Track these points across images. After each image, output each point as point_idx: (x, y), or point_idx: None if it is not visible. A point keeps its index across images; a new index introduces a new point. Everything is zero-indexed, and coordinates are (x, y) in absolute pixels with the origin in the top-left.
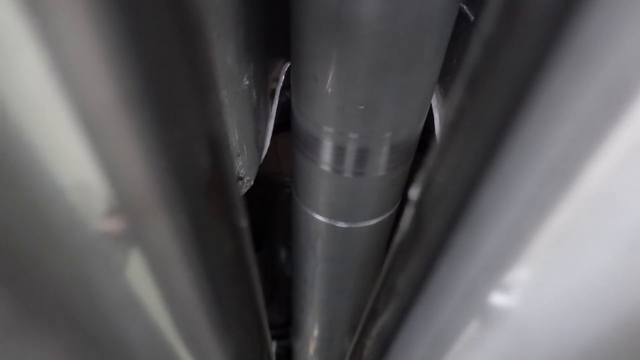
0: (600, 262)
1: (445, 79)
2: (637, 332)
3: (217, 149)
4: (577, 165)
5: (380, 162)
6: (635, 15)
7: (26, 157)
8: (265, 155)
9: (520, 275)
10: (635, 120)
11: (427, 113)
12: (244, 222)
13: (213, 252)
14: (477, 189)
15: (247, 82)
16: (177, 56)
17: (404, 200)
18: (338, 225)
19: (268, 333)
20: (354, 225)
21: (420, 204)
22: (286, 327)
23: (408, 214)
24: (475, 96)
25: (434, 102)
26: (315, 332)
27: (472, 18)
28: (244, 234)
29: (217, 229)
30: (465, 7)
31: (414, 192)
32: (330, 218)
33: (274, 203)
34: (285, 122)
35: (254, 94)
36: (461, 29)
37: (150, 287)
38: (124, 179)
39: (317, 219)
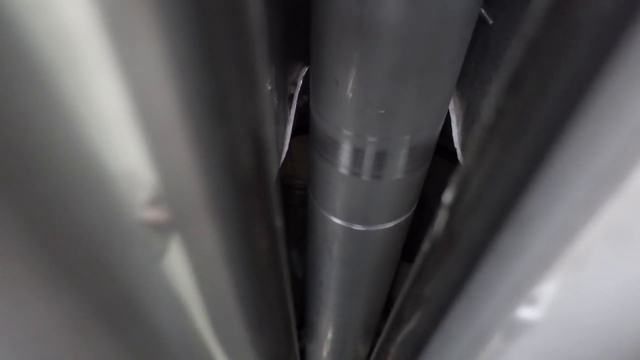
0: None
1: (463, 81)
2: None
3: (261, 149)
4: (628, 172)
5: (399, 165)
6: None
7: (83, 149)
8: None
9: (567, 281)
10: None
11: (445, 115)
12: (279, 222)
13: (251, 248)
14: (521, 194)
15: (269, 87)
16: (228, 60)
17: (420, 203)
18: (355, 228)
19: (295, 332)
20: (370, 228)
21: (452, 210)
22: (299, 328)
23: (439, 221)
24: (517, 99)
25: (451, 105)
26: (330, 335)
27: (490, 22)
28: (279, 233)
29: (256, 227)
30: (484, 11)
31: (446, 198)
32: (347, 221)
33: (287, 205)
34: (300, 126)
35: (275, 98)
36: (479, 32)
37: (190, 280)
38: (175, 173)
39: (334, 222)
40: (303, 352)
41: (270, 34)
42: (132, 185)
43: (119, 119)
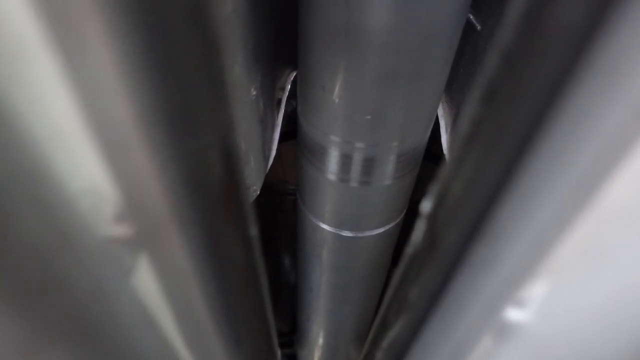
0: (623, 279)
1: (451, 87)
2: None
3: (228, 158)
4: (601, 180)
5: (387, 171)
6: None
7: (42, 163)
8: (272, 164)
9: (541, 289)
10: None
11: (433, 122)
12: (254, 231)
13: (224, 260)
14: (496, 203)
15: (254, 93)
16: (191, 68)
17: (409, 208)
18: (344, 234)
19: (276, 341)
20: (360, 235)
21: (433, 216)
22: (290, 335)
23: (420, 226)
24: (492, 109)
25: (440, 111)
26: (321, 341)
27: (478, 28)
28: (254, 242)
29: (228, 237)
30: (472, 17)
31: (426, 205)
32: (336, 227)
33: (277, 210)
34: (290, 131)
35: (261, 104)
36: (468, 38)
37: (160, 295)
38: (138, 186)
39: (323, 228)
40: (294, 358)
41: (256, 39)
42: (94, 202)
43: (75, 132)
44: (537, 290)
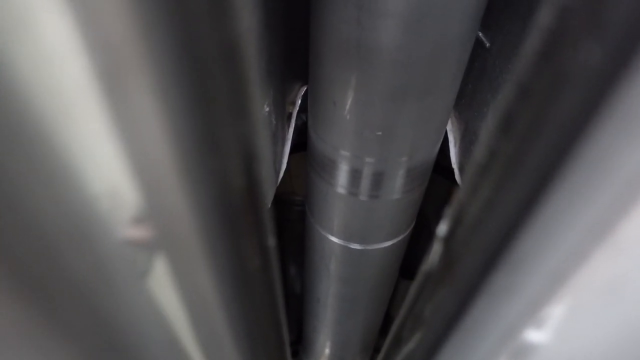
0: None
1: (460, 102)
2: None
3: (253, 172)
4: (620, 217)
5: (396, 186)
6: None
7: (69, 168)
8: None
9: (559, 319)
10: None
11: (442, 136)
12: (272, 242)
13: (241, 269)
14: (517, 230)
15: (267, 109)
16: (218, 85)
17: (418, 221)
18: (352, 247)
19: (289, 350)
20: (368, 247)
21: (450, 239)
22: (296, 344)
23: (436, 249)
24: (509, 138)
25: (449, 126)
26: (327, 352)
27: (487, 44)
28: (271, 251)
29: (246, 247)
30: (481, 34)
31: (442, 229)
32: (344, 240)
33: (285, 221)
34: (299, 143)
35: (273, 119)
36: (477, 54)
37: (177, 301)
38: (162, 196)
39: (331, 240)
40: None
41: (269, 55)
42: (117, 207)
43: (105, 142)
44: (555, 320)
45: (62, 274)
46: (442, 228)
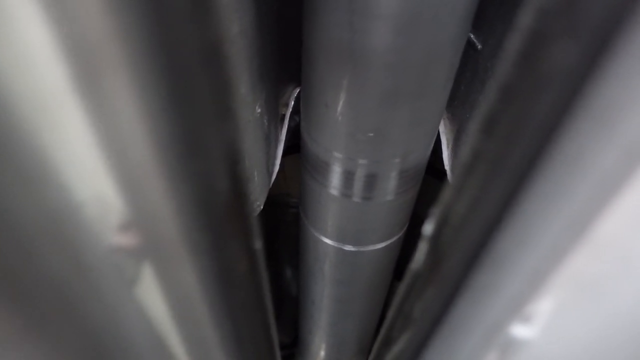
0: (618, 306)
1: (453, 104)
2: None
3: (234, 175)
4: (596, 214)
5: (389, 187)
6: None
7: (52, 174)
8: (275, 177)
9: (542, 314)
10: None
11: (435, 138)
12: (258, 244)
13: (228, 273)
14: (498, 229)
15: (259, 110)
16: (199, 91)
17: (412, 223)
18: (346, 248)
19: (279, 354)
20: (362, 249)
21: (436, 238)
22: (292, 347)
23: (423, 247)
24: (493, 139)
25: (441, 127)
26: (322, 354)
27: (479, 47)
28: (259, 255)
29: (233, 251)
30: (472, 36)
31: (428, 227)
32: (338, 241)
33: (280, 223)
34: (293, 145)
35: (265, 120)
36: (469, 56)
37: (163, 307)
38: (146, 201)
39: (325, 242)
40: None
41: (261, 57)
42: (103, 217)
43: (87, 147)
44: (537, 316)
45: (46, 278)
46: (428, 228)
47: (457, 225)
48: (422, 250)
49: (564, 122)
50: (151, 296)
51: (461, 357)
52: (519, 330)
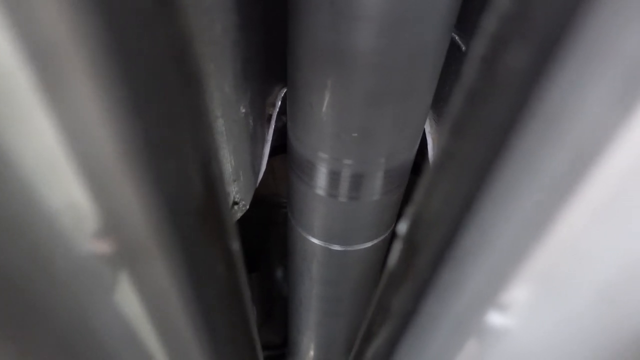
0: (573, 297)
1: (438, 105)
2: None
3: (209, 175)
4: (556, 207)
5: (375, 187)
6: (596, 86)
7: (21, 179)
8: (264, 177)
9: (507, 306)
10: (602, 180)
11: (420, 139)
12: (236, 246)
13: (205, 276)
14: (463, 227)
15: (244, 110)
16: (171, 87)
17: (398, 222)
18: (333, 248)
19: (261, 356)
20: (349, 248)
21: (408, 237)
22: (282, 347)
23: (397, 244)
24: (459, 140)
25: (427, 128)
26: (311, 354)
27: (463, 48)
28: (237, 257)
29: (209, 253)
30: (457, 38)
31: (402, 227)
32: (325, 241)
33: (270, 223)
34: (282, 145)
35: (251, 120)
36: (453, 58)
37: (140, 310)
38: (118, 203)
39: (312, 242)
40: None
41: (246, 57)
42: (73, 219)
43: (54, 150)
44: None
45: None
46: (402, 226)
47: (427, 223)
48: (396, 248)
49: (519, 123)
50: (125, 297)
51: (432, 350)
52: (484, 323)
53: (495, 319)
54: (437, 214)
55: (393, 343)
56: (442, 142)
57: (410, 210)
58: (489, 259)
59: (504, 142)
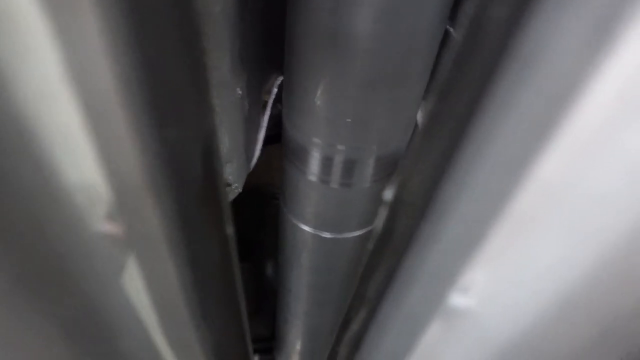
0: (548, 258)
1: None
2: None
3: (207, 153)
4: (523, 167)
5: (367, 174)
6: (569, 35)
7: (29, 155)
8: (259, 167)
9: (475, 272)
10: (576, 124)
11: (413, 126)
12: (230, 229)
13: (199, 255)
14: (436, 191)
15: (240, 92)
16: (172, 62)
17: None
18: (323, 235)
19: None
20: (339, 236)
21: (392, 205)
22: (271, 340)
23: (382, 215)
24: (444, 102)
25: (419, 118)
26: (298, 344)
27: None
28: (231, 241)
29: (205, 233)
30: (450, 28)
31: (388, 194)
32: (315, 228)
33: (264, 214)
34: (279, 134)
35: (247, 103)
36: (447, 47)
37: (135, 289)
38: (116, 178)
39: (303, 229)
40: None
41: (244, 42)
42: (83, 197)
43: (67, 128)
44: (470, 273)
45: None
46: (388, 193)
47: (408, 192)
48: (380, 219)
49: (490, 89)
50: (124, 275)
51: (404, 319)
52: (458, 299)
53: (457, 299)
54: (418, 178)
55: (366, 328)
56: (425, 120)
57: (396, 179)
58: (463, 219)
59: (474, 110)
